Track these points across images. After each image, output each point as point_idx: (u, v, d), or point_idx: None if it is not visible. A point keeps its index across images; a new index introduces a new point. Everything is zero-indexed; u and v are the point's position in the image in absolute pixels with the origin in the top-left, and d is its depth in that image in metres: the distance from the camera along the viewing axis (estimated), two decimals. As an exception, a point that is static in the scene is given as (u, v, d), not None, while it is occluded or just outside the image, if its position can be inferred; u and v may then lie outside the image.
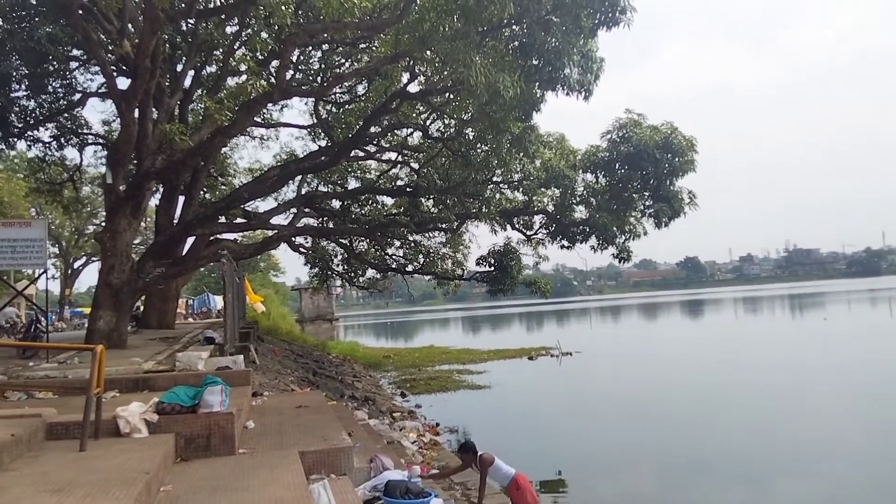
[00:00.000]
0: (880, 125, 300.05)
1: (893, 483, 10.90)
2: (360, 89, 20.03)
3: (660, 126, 17.91)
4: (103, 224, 15.63)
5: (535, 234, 22.27)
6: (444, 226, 21.71)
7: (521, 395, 22.07)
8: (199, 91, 19.70)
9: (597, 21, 11.46)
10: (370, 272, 26.34)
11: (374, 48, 17.21)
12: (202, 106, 18.70)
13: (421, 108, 18.30)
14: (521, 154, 17.21)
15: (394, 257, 25.02)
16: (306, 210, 22.17)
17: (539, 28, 11.35)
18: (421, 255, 24.38)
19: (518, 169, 19.31)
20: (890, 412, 16.05)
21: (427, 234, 23.71)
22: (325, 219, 23.31)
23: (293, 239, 22.33)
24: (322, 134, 21.13)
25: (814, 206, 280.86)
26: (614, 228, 19.52)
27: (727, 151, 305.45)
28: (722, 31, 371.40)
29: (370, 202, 23.12)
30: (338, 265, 25.96)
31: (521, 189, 21.01)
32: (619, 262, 21.50)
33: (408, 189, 21.09)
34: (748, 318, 61.50)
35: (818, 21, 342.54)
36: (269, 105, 19.44)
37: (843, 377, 21.75)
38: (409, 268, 24.88)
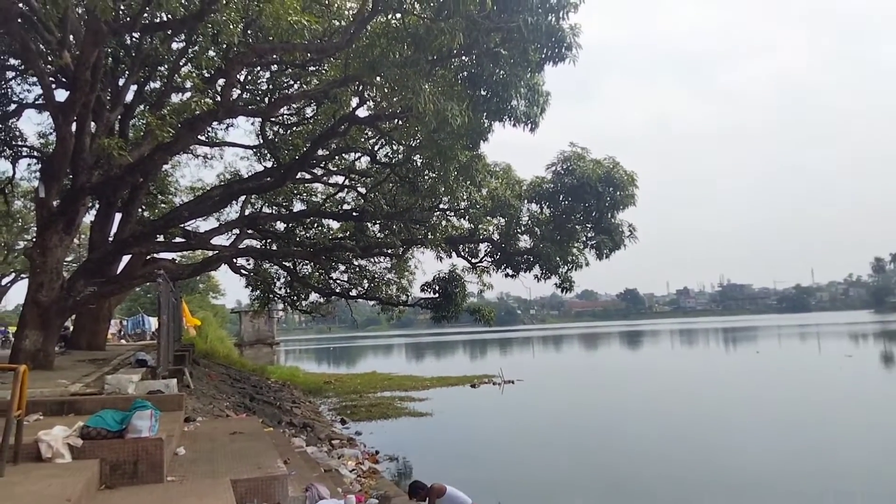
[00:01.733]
0: (807, 165, 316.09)
1: None
2: (309, 111, 19.95)
3: (602, 160, 18.39)
4: (34, 240, 14.99)
5: (480, 261, 22.41)
6: (389, 251, 21.63)
7: (462, 423, 22.00)
8: (142, 106, 19.24)
9: (543, 56, 11.73)
10: (313, 296, 25.97)
11: (323, 71, 17.20)
12: (144, 121, 18.26)
13: (369, 132, 18.31)
14: (468, 182, 17.40)
15: (338, 282, 24.75)
16: (249, 231, 21.77)
17: (488, 60, 11.57)
18: (366, 280, 24.20)
19: (465, 197, 19.47)
20: (816, 442, 16.64)
21: (372, 259, 23.57)
22: (269, 241, 22.93)
23: (234, 260, 21.86)
24: (268, 155, 20.89)
25: (748, 241, 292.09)
26: (557, 258, 19.80)
27: (667, 185, 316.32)
28: (663, 70, 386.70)
29: (315, 225, 22.88)
30: (280, 288, 25.50)
31: (467, 217, 21.18)
32: (562, 291, 21.79)
33: (354, 213, 20.98)
34: (685, 350, 63.04)
35: (753, 63, 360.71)
36: (214, 123, 19.13)
37: (774, 409, 22.46)
38: (354, 292, 24.64)
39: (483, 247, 22.20)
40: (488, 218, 20.86)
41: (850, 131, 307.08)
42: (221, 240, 20.21)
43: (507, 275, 21.54)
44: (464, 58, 12.34)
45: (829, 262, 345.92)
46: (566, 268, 20.33)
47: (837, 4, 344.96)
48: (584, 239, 19.94)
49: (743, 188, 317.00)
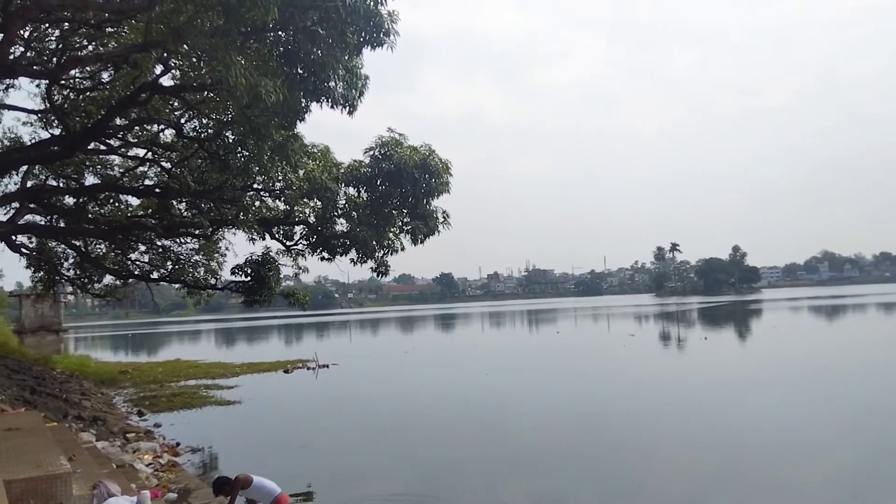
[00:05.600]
0: (599, 165, 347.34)
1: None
2: (105, 76, 18.17)
3: (419, 147, 18.74)
4: None
5: (296, 244, 21.95)
6: (197, 231, 20.46)
7: (273, 410, 21.49)
8: None
9: (362, 39, 11.71)
10: (108, 278, 23.88)
11: (123, 33, 15.72)
12: None
13: (175, 103, 17.08)
14: (284, 162, 16.87)
15: (137, 263, 22.97)
16: (31, 206, 19.48)
17: (305, 38, 11.28)
18: (169, 262, 22.69)
19: (280, 177, 18.92)
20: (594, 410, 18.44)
21: (177, 240, 22.16)
22: (55, 217, 20.68)
23: (13, 237, 19.46)
24: (55, 121, 18.74)
25: (550, 230, 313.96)
26: (374, 243, 19.95)
27: (479, 175, 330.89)
28: (480, 66, 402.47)
29: (111, 201, 21.00)
30: (68, 269, 23.13)
31: (282, 198, 20.61)
32: (378, 275, 22.04)
33: (157, 190, 19.55)
34: (494, 331, 66.66)
35: (557, 65, 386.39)
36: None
37: (562, 382, 24.53)
38: (155, 275, 23.03)
39: (298, 229, 21.76)
40: (304, 200, 20.45)
41: (640, 142, 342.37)
42: (-3, 214, 17.92)
43: (323, 258, 21.32)
44: (280, 33, 11.93)
45: (619, 251, 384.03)
46: (382, 252, 20.57)
47: (633, 17, 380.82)
48: (401, 224, 20.25)
49: (544, 182, 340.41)
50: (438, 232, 19.99)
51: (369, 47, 11.95)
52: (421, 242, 19.93)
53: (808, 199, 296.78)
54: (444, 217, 19.86)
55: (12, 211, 18.94)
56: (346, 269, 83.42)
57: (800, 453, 13.24)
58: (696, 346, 38.08)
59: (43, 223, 20.88)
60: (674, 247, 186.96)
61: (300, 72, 11.92)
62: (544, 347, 42.78)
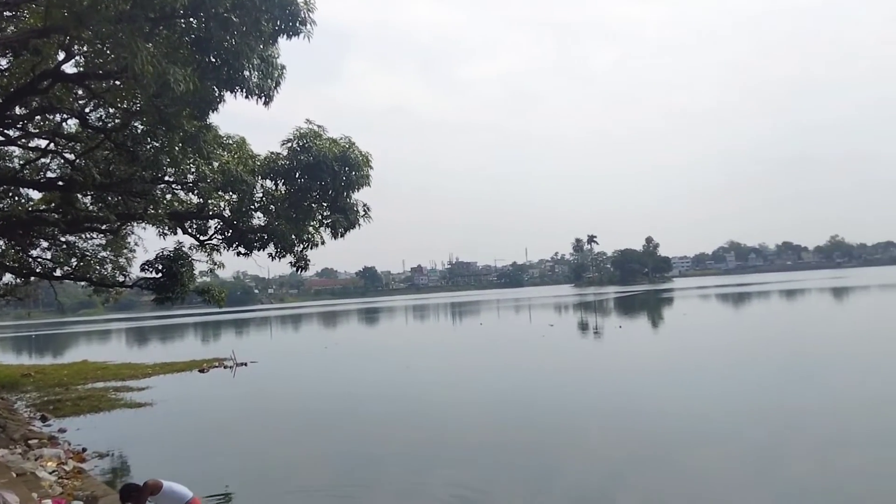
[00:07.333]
0: (523, 160, 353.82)
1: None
2: (4, 63, 17.02)
3: (339, 139, 18.46)
4: None
5: (210, 239, 21.25)
6: (103, 226, 19.51)
7: (187, 411, 20.80)
8: None
9: (277, 27, 11.45)
10: (8, 277, 22.47)
11: (23, 17, 14.77)
12: None
13: (80, 92, 16.19)
14: (196, 154, 16.28)
15: (39, 260, 21.70)
16: (-83, 199, 18.10)
17: (217, 25, 10.90)
18: (74, 259, 21.56)
19: (192, 170, 18.26)
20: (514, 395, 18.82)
21: (83, 235, 21.07)
22: (-54, 212, 19.27)
23: None
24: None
25: (474, 223, 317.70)
26: (293, 237, 19.55)
27: (403, 168, 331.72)
28: (405, 59, 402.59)
29: (10, 195, 19.75)
30: (-38, 268, 21.61)
31: (195, 191, 19.87)
32: (298, 270, 21.60)
33: (59, 182, 18.50)
34: (417, 324, 66.82)
35: (481, 60, 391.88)
36: None
37: (495, 378, 24.90)
38: (58, 272, 21.83)
39: (213, 223, 21.06)
40: (219, 193, 19.78)
41: (563, 139, 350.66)
42: None
43: (239, 253, 20.72)
44: (191, 20, 11.48)
45: (540, 243, 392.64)
46: (302, 246, 20.17)
47: (556, 15, 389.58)
48: (320, 217, 19.90)
49: (468, 176, 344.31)
50: (359, 225, 19.76)
51: (285, 36, 11.71)
52: (341, 236, 19.66)
53: (716, 193, 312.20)
54: (364, 210, 19.64)
55: None
56: (264, 265, 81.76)
57: (710, 437, 13.89)
58: (611, 334, 39.41)
59: (-69, 218, 19.43)
60: (591, 238, 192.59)
61: (213, 60, 11.51)
62: (467, 340, 43.31)
